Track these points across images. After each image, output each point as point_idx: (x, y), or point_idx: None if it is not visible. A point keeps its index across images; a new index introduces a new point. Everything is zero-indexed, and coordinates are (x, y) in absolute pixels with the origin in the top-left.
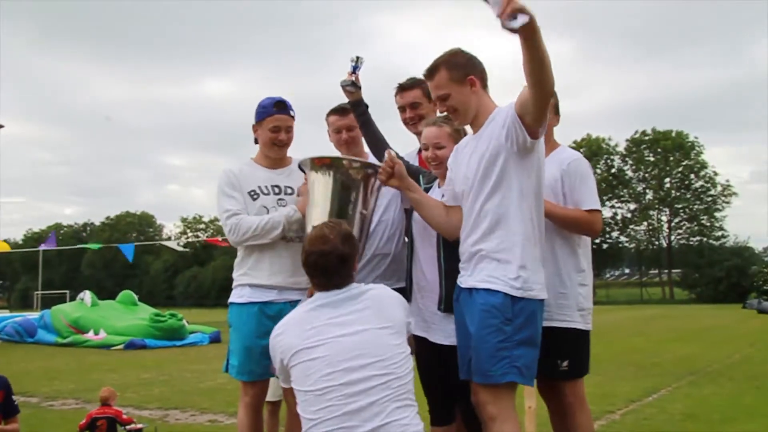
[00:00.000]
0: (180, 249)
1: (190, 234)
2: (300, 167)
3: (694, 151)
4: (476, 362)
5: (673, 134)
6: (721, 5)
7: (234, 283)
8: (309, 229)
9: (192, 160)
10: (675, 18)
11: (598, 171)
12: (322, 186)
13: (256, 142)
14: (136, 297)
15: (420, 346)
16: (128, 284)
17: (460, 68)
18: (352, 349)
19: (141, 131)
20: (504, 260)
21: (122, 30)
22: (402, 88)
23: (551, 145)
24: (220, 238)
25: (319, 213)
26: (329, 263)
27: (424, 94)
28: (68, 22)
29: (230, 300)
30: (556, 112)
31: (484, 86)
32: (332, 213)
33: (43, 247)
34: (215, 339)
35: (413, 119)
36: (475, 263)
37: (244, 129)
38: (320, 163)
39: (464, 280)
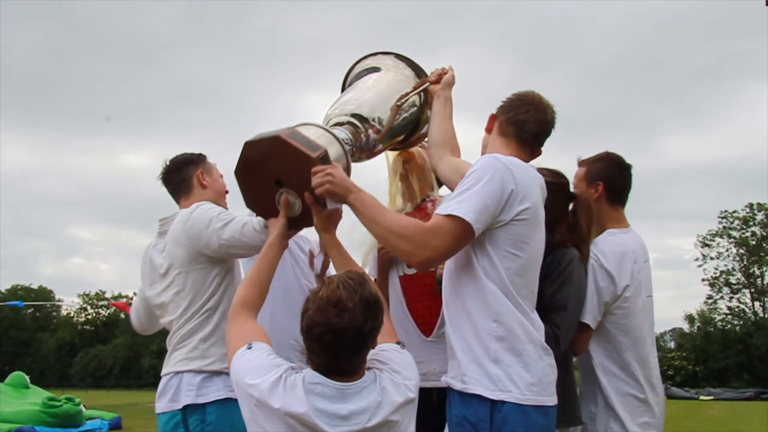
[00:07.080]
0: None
1: (91, 311)
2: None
3: None
4: None
5: None
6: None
7: (203, 364)
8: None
9: (99, 234)
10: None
11: None
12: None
13: (180, 191)
14: (28, 379)
15: None
16: (19, 363)
17: None
18: None
19: (49, 201)
20: None
21: (37, 96)
22: None
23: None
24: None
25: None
26: (342, 342)
27: None
28: None
29: (212, 398)
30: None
31: None
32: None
33: None
34: (115, 425)
35: None
36: None
37: (159, 203)
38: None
39: None
